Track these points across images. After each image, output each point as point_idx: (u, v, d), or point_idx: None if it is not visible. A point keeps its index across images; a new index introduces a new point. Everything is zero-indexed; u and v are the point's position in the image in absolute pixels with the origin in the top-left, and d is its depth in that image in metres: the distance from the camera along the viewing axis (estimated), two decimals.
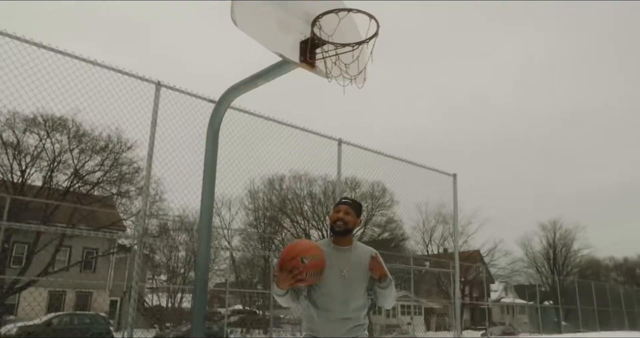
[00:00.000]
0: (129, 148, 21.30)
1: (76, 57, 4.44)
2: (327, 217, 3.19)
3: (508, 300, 51.70)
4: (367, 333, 2.87)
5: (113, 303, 30.22)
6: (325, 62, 2.97)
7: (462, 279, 43.66)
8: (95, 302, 28.55)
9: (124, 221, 25.43)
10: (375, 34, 2.85)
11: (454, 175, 8.13)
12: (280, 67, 3.17)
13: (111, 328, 21.00)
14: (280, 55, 2.92)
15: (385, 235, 39.33)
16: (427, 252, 44.00)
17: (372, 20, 2.74)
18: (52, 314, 20.57)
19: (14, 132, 20.57)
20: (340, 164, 6.59)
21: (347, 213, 2.93)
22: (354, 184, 38.42)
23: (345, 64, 2.84)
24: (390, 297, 2.82)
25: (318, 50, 3.02)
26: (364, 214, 39.16)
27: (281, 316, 38.39)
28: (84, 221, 22.64)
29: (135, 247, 26.87)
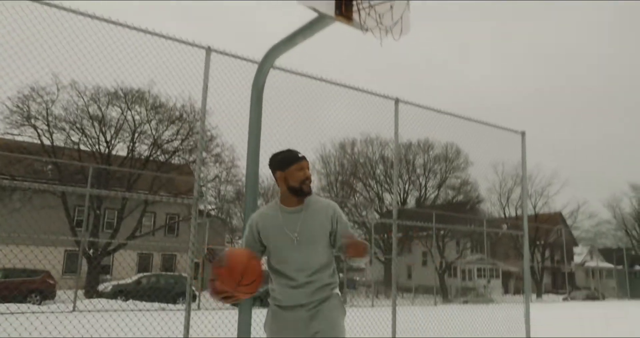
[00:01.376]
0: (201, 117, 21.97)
1: (143, 30, 4.55)
2: (280, 178, 2.67)
3: (593, 264, 49.46)
4: (338, 290, 2.66)
5: (197, 266, 32.09)
6: (360, 15, 2.85)
7: (542, 242, 42.15)
8: (178, 264, 30.34)
9: (202, 188, 26.58)
10: None
11: (523, 133, 7.70)
12: (317, 23, 3.08)
13: (193, 288, 22.34)
14: (315, 10, 2.83)
15: (460, 197, 38.49)
16: (505, 214, 42.75)
17: None
18: (141, 274, 22.12)
19: (98, 106, 21.86)
20: (397, 124, 6.43)
21: (309, 168, 2.66)
22: (426, 146, 37.72)
23: (379, 14, 2.71)
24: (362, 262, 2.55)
25: (354, 2, 2.90)
26: (438, 177, 38.49)
27: (356, 278, 39.07)
28: (164, 188, 23.86)
29: (212, 212, 28.06)
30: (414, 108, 6.72)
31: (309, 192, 2.61)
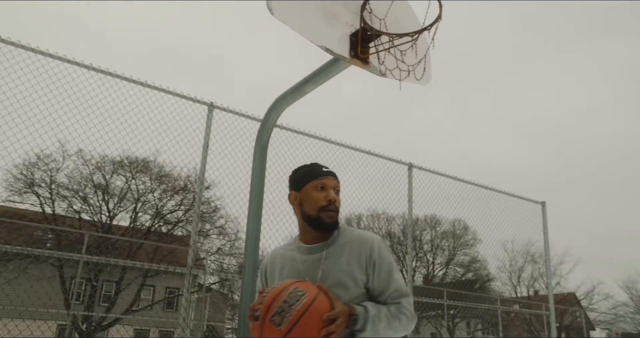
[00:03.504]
0: (207, 187, 21.82)
1: (143, 84, 4.35)
2: (294, 202, 1.89)
3: None
4: None
5: None
6: (378, 55, 2.55)
7: (557, 325, 40.18)
8: None
9: (203, 260, 25.82)
10: (439, 18, 2.40)
11: (543, 203, 7.27)
12: (330, 67, 2.78)
13: None
14: (327, 50, 2.52)
15: (470, 275, 37.25)
16: (516, 293, 41.11)
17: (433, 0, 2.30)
18: None
19: (103, 175, 21.76)
20: (412, 190, 6.03)
21: (337, 190, 1.89)
22: (433, 222, 37.06)
23: (401, 52, 2.39)
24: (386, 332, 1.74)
25: (371, 44, 2.61)
26: (446, 253, 37.51)
27: None
28: (165, 260, 23.19)
29: (212, 286, 27.10)
30: (424, 177, 6.36)
31: (332, 223, 1.82)
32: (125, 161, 21.31)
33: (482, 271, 37.76)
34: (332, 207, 1.82)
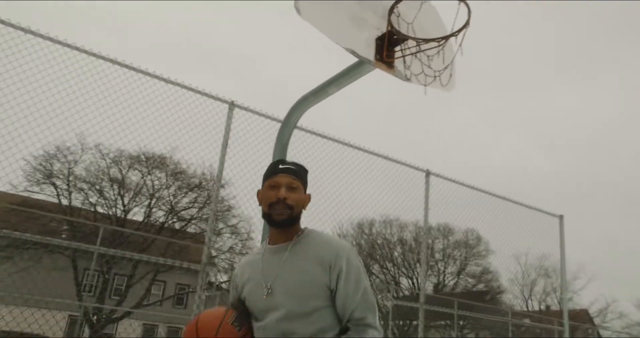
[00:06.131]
0: (221, 186, 21.90)
1: (166, 80, 4.38)
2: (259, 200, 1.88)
3: None
4: None
5: None
6: (404, 60, 2.53)
7: None
8: None
9: (214, 258, 25.96)
10: (467, 24, 2.38)
11: (561, 217, 7.16)
12: (354, 70, 2.77)
13: None
14: (353, 52, 2.52)
15: (481, 286, 36.89)
16: (527, 307, 40.61)
17: (462, 5, 2.28)
18: None
19: (119, 169, 21.99)
20: (428, 198, 5.98)
21: (292, 187, 1.83)
22: (446, 231, 36.78)
23: (428, 56, 2.38)
24: None
25: (397, 48, 2.59)
26: (457, 263, 37.19)
27: None
28: (177, 256, 23.31)
29: (223, 285, 27.23)
30: (441, 186, 6.31)
31: (281, 221, 1.79)
32: (142, 156, 21.52)
33: (493, 282, 37.38)
34: (281, 204, 1.79)
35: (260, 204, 1.87)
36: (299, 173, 1.89)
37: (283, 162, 1.92)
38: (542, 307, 40.99)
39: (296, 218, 1.83)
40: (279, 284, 1.73)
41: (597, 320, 44.94)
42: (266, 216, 1.83)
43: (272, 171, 1.87)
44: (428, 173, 6.12)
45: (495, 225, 6.95)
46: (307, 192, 1.94)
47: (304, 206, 1.88)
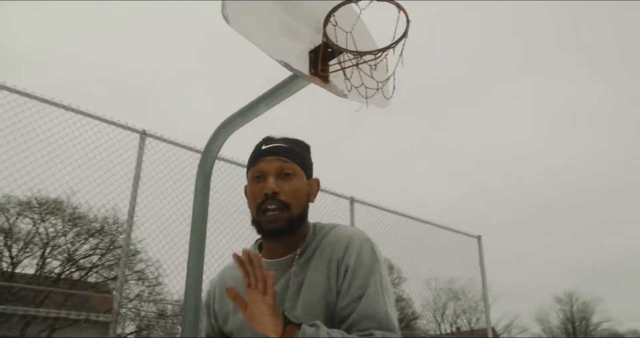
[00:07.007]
0: (132, 224, 20.50)
1: (71, 109, 3.89)
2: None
3: None
4: None
5: None
6: (344, 71, 2.36)
7: None
8: None
9: (121, 308, 24.05)
10: (405, 35, 2.26)
11: (479, 237, 7.35)
12: (286, 86, 2.55)
13: None
14: (286, 65, 2.31)
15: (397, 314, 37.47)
16: (440, 331, 41.75)
17: (401, 15, 2.17)
18: None
19: (6, 217, 19.93)
20: (354, 225, 5.86)
21: (285, 173, 1.28)
22: None
23: (370, 66, 2.22)
24: None
25: (332, 61, 2.42)
26: None
27: None
28: (79, 309, 21.32)
29: (129, 337, 25.27)
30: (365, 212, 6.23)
31: (273, 230, 1.24)
32: (34, 201, 19.70)
33: (407, 309, 38.10)
34: (271, 202, 1.24)
35: (248, 206, 1.33)
36: (294, 151, 1.33)
37: (270, 139, 1.35)
38: (454, 329, 42.38)
39: (298, 221, 1.27)
40: (298, 313, 1.19)
41: (504, 336, 47.22)
42: (255, 224, 1.29)
43: (255, 155, 1.32)
44: (352, 201, 6.01)
45: (416, 250, 6.96)
46: (314, 175, 1.39)
47: (309, 198, 1.34)
